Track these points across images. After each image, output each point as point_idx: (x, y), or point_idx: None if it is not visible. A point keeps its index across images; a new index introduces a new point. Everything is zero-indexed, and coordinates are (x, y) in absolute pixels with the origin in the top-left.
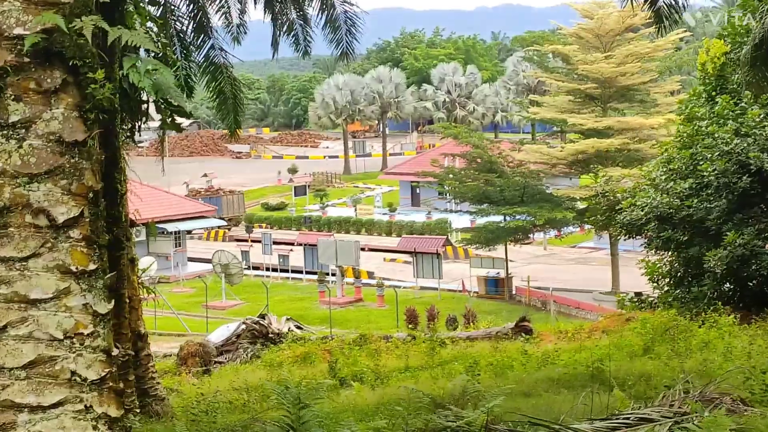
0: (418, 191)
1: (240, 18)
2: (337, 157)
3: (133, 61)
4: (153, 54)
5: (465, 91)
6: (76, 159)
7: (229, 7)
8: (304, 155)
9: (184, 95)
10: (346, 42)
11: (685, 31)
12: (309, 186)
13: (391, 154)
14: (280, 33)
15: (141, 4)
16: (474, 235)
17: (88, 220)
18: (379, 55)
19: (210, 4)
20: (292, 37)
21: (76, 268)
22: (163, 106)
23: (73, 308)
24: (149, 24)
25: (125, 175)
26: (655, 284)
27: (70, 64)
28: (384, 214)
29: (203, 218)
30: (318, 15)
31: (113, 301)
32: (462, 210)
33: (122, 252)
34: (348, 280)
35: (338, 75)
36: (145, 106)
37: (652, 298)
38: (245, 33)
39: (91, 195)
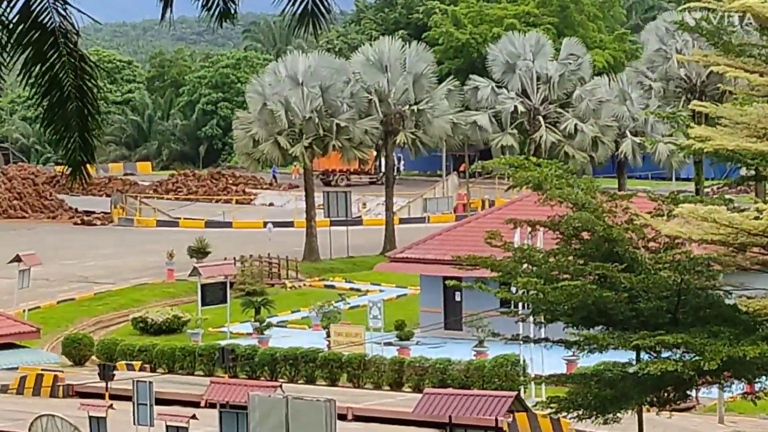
0: (458, 298)
1: None
2: (291, 225)
3: None
4: None
5: (558, 90)
6: None
7: None
8: (223, 220)
9: None
10: None
11: None
12: (231, 283)
13: (402, 221)
14: None
15: None
16: (574, 391)
17: None
18: (379, 15)
19: None
20: None
21: None
22: None
23: None
24: None
25: None
26: None
27: None
28: (386, 343)
29: (16, 348)
30: None
31: None
32: (550, 339)
33: None
34: None
35: (295, 54)
36: None
37: None
38: None
39: None
